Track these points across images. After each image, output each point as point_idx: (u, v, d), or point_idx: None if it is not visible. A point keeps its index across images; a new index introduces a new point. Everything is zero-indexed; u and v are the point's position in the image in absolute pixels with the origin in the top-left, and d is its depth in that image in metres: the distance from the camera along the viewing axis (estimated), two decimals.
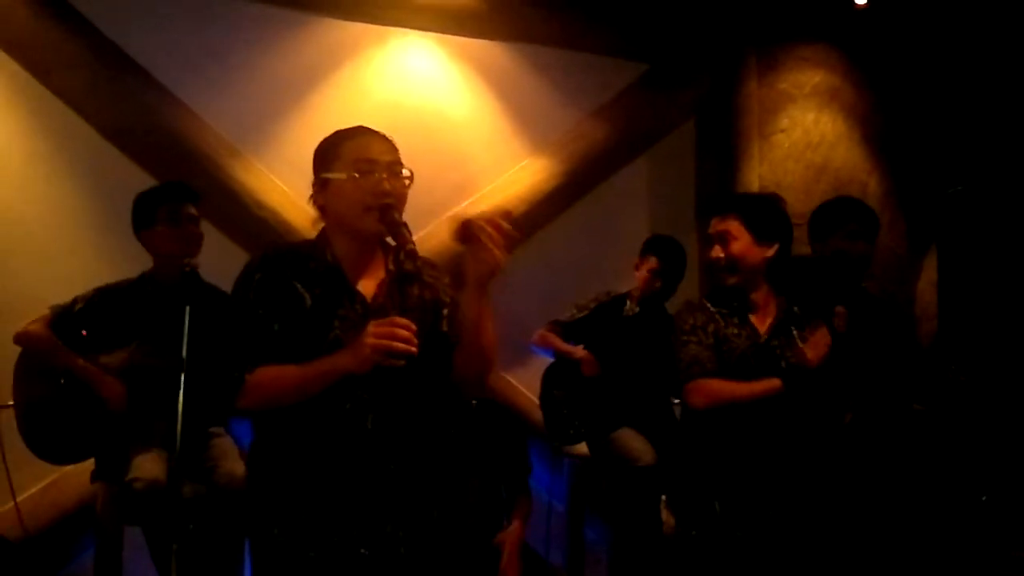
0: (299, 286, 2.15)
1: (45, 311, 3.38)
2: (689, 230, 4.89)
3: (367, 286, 2.22)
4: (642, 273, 4.17)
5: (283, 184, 4.30)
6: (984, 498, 3.62)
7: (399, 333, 2.00)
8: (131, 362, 3.26)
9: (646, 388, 4.04)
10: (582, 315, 4.20)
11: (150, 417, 3.18)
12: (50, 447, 3.29)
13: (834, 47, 4.95)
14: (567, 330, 4.22)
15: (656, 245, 4.23)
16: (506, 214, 2.09)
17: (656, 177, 5.09)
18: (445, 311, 2.27)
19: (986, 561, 3.60)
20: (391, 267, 2.24)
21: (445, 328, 2.25)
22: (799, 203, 4.66)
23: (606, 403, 4.05)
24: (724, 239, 3.02)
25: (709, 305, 3.10)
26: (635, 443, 3.89)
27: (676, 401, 3.91)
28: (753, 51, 4.95)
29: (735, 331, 3.03)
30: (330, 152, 2.22)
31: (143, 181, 4.07)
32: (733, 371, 2.98)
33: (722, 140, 5.06)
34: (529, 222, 4.63)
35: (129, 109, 4.11)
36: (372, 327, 2.02)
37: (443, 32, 4.70)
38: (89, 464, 3.39)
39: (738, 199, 3.19)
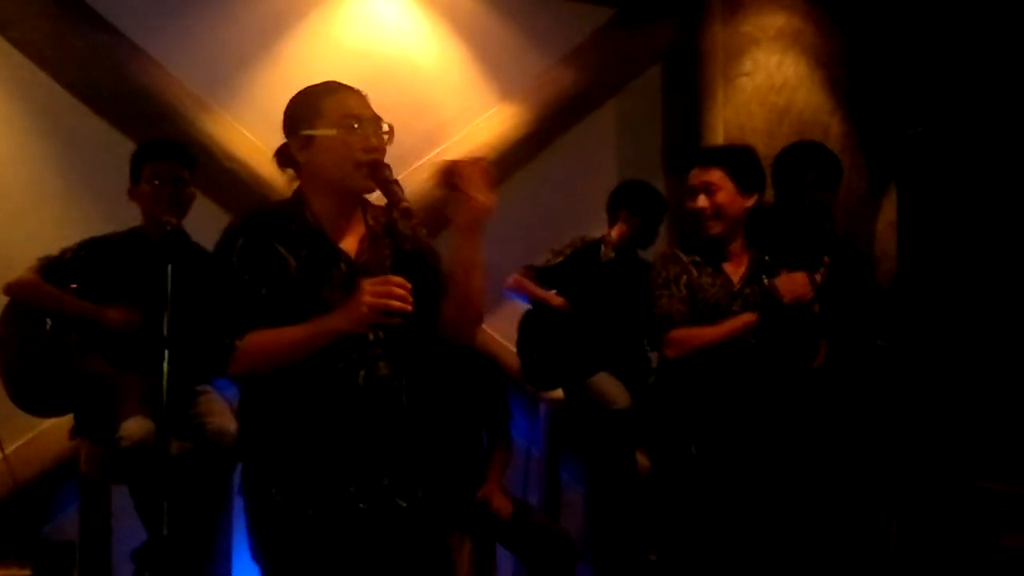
0: (282, 249, 2.15)
1: (12, 268, 3.35)
2: (657, 174, 4.93)
3: (349, 244, 2.22)
4: (618, 229, 4.21)
5: (252, 136, 4.24)
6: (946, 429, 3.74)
7: (395, 291, 2.02)
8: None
9: (621, 333, 4.11)
10: (557, 261, 4.23)
11: (136, 376, 3.18)
12: (33, 399, 3.28)
13: None
14: (541, 275, 4.24)
15: (628, 197, 4.26)
16: (479, 159, 2.13)
17: (624, 122, 5.09)
18: (428, 262, 2.30)
19: (952, 493, 3.74)
20: (371, 222, 2.26)
21: (430, 279, 2.28)
22: (763, 146, 4.68)
23: (582, 348, 4.11)
24: (709, 189, 3.07)
25: (682, 255, 3.15)
26: (610, 387, 3.96)
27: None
28: None
29: (709, 280, 3.10)
30: (310, 109, 2.21)
31: (109, 136, 4.06)
32: (707, 320, 3.05)
33: (688, 84, 5.08)
34: (499, 170, 4.61)
35: (93, 62, 4.02)
36: (368, 286, 2.03)
37: None
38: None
39: (720, 151, 3.24)
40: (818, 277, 3.00)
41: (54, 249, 3.40)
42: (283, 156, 2.26)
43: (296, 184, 2.27)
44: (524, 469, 4.10)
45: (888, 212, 5.22)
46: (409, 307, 2.03)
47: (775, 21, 4.96)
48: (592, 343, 4.11)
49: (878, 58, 5.07)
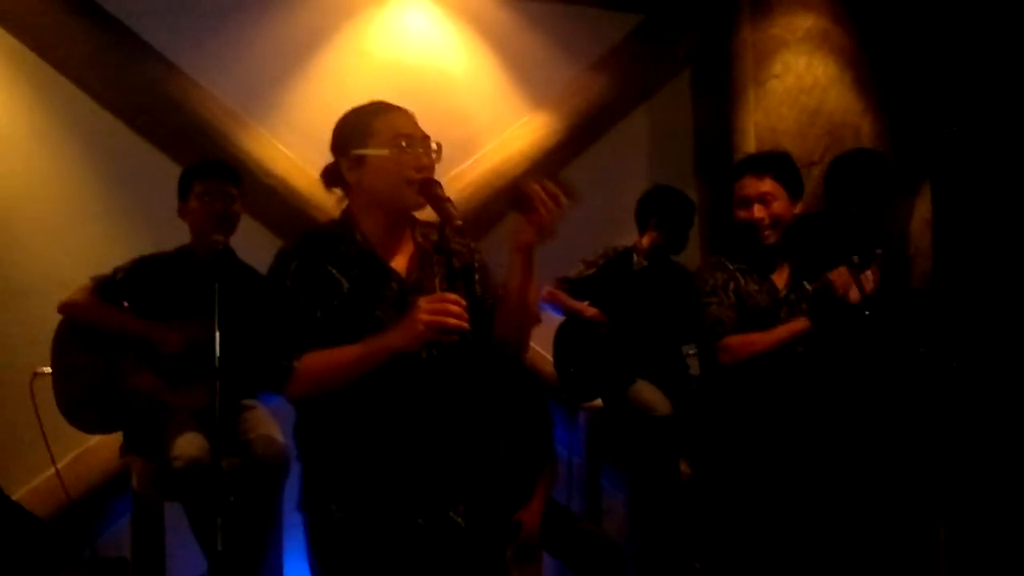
0: (334, 271, 2.17)
1: (60, 286, 3.40)
2: (689, 179, 4.93)
3: (399, 262, 2.24)
4: (649, 236, 4.22)
5: (288, 151, 4.27)
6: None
7: (451, 309, 2.03)
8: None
9: (658, 340, 4.11)
10: (590, 272, 4.24)
11: (185, 392, 3.21)
12: (85, 416, 3.31)
13: None
14: (574, 287, 4.25)
15: (656, 204, 4.26)
16: (566, 186, 2.11)
17: (654, 128, 5.10)
18: (477, 276, 2.31)
19: (1000, 500, 3.71)
20: (419, 240, 2.28)
21: (479, 292, 2.30)
22: (795, 148, 4.69)
23: (619, 358, 4.12)
24: (765, 199, 3.06)
25: (728, 263, 3.15)
26: (651, 395, 3.97)
27: (692, 352, 3.99)
28: None
29: (756, 287, 3.10)
30: (361, 129, 2.22)
31: (148, 153, 4.11)
32: (757, 326, 3.05)
33: (718, 88, 5.08)
34: (532, 179, 4.65)
35: (131, 81, 4.07)
36: (424, 304, 2.04)
37: None
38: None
39: (769, 159, 3.21)
40: (870, 273, 2.99)
41: (98, 267, 3.44)
42: (330, 176, 2.27)
43: (344, 204, 2.29)
44: (566, 477, 4.11)
45: (922, 211, 5.20)
46: (466, 324, 2.04)
47: (803, 22, 4.95)
48: (629, 352, 4.12)
49: (908, 57, 5.05)
